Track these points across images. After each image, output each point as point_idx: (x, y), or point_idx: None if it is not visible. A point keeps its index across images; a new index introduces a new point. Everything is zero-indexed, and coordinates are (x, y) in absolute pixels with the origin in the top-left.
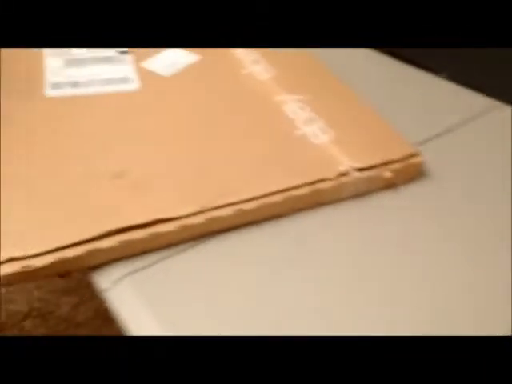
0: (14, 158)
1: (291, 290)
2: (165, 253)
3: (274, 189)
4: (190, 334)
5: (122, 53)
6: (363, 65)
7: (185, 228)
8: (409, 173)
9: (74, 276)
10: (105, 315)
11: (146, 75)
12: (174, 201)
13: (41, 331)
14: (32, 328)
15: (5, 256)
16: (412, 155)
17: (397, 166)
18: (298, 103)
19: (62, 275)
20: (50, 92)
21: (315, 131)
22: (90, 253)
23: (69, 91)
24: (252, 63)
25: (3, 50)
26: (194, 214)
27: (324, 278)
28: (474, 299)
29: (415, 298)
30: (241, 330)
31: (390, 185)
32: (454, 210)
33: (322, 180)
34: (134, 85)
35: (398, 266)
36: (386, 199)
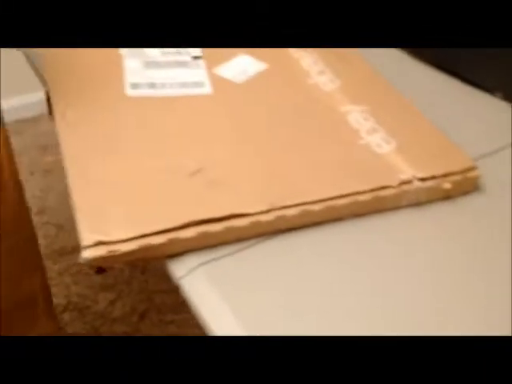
0: (98, 153)
1: (348, 290)
2: (236, 246)
3: (338, 193)
4: (255, 316)
5: (196, 58)
6: (420, 81)
7: (255, 224)
8: (466, 185)
9: (111, 272)
10: (141, 312)
11: (218, 81)
12: (247, 199)
13: (77, 325)
14: (69, 322)
15: (93, 240)
16: (470, 168)
17: (456, 178)
18: (361, 113)
19: (101, 271)
20: (130, 92)
21: (378, 141)
22: (170, 241)
23: (146, 92)
24: (318, 74)
25: (80, 50)
26: (264, 212)
27: (382, 280)
28: None
29: (460, 301)
30: (301, 318)
31: (447, 196)
32: (504, 225)
33: (385, 187)
34: (207, 89)
35: (450, 271)
36: (443, 210)
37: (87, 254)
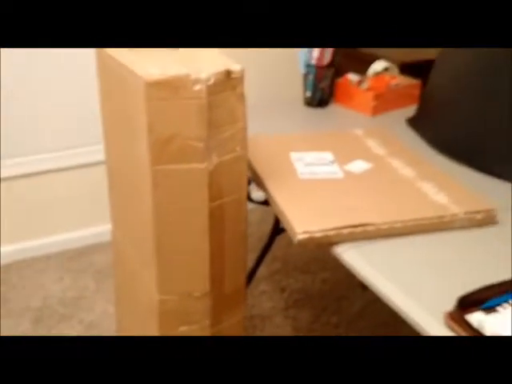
0: (296, 198)
1: (429, 268)
2: (368, 241)
3: (421, 217)
4: (383, 271)
5: (332, 162)
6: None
7: (378, 230)
8: (490, 219)
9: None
10: None
11: (346, 172)
12: (374, 216)
13: None
14: None
15: (301, 229)
16: (492, 209)
17: (483, 214)
18: (429, 186)
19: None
20: (300, 176)
21: (441, 197)
22: (337, 234)
23: (309, 176)
24: (402, 168)
25: (265, 154)
26: (383, 224)
27: (446, 265)
28: None
29: None
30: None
31: (480, 224)
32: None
33: (444, 216)
34: (340, 175)
35: (483, 258)
36: (477, 231)
37: (299, 237)
